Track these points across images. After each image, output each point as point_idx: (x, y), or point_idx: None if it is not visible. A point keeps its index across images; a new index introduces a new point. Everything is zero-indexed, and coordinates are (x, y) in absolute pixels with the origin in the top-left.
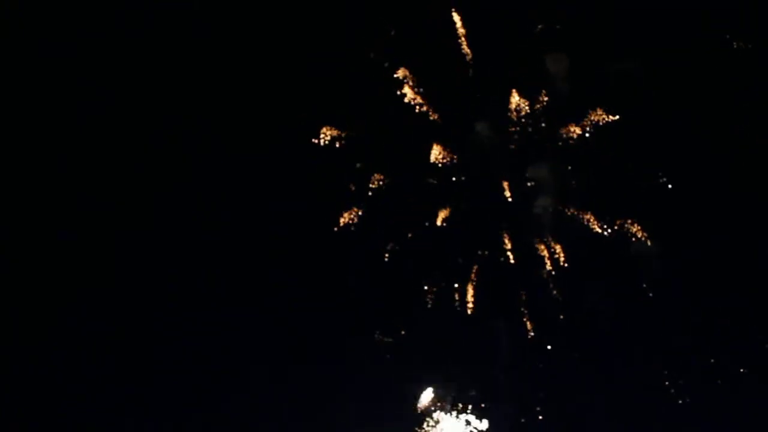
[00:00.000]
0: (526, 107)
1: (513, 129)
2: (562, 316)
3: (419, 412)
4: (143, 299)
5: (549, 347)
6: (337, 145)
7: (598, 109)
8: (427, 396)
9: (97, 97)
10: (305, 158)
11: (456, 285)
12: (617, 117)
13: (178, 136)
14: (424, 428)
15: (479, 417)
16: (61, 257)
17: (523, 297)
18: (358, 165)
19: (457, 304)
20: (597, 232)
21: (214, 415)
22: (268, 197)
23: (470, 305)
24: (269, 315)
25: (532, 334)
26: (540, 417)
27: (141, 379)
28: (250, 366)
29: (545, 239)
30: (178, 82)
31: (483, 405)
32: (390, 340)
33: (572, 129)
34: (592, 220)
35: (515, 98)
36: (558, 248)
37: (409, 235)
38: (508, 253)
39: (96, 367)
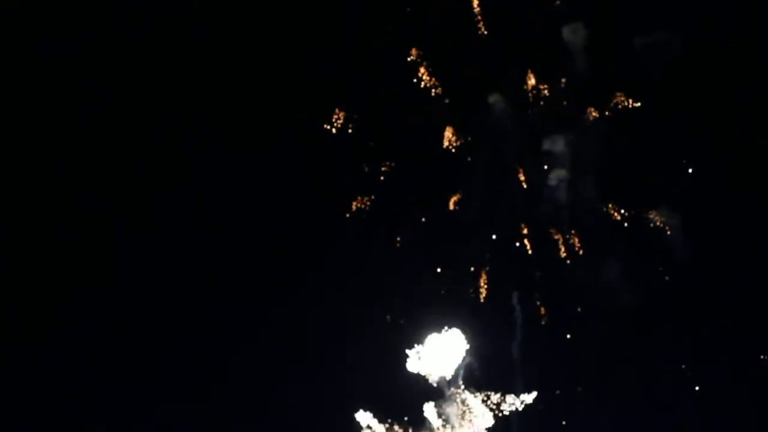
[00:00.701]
0: (545, 90)
1: (530, 111)
2: (579, 308)
3: (433, 389)
4: (143, 299)
5: (568, 336)
6: (349, 131)
7: (617, 93)
8: (441, 374)
9: (97, 97)
10: (306, 156)
11: (472, 269)
12: (638, 104)
13: (178, 136)
14: (439, 404)
15: (495, 394)
16: (61, 257)
17: (538, 281)
18: (371, 143)
19: (471, 290)
20: (616, 219)
21: (214, 415)
22: (268, 197)
23: (483, 291)
24: (269, 315)
25: (546, 318)
26: (557, 391)
27: (141, 379)
28: (249, 366)
29: (560, 225)
30: (178, 82)
31: (499, 383)
32: (402, 321)
33: (590, 111)
34: (611, 207)
35: (531, 80)
36: (573, 233)
37: (423, 219)
38: (525, 240)
39: (96, 367)
